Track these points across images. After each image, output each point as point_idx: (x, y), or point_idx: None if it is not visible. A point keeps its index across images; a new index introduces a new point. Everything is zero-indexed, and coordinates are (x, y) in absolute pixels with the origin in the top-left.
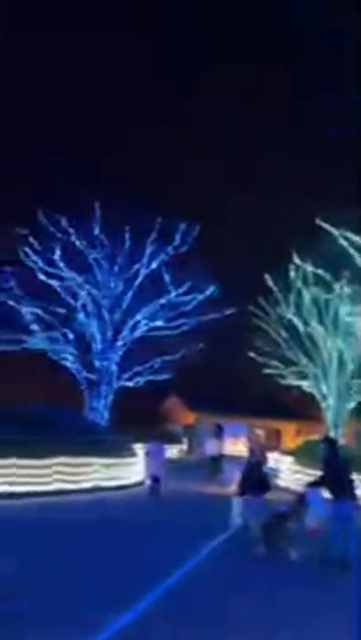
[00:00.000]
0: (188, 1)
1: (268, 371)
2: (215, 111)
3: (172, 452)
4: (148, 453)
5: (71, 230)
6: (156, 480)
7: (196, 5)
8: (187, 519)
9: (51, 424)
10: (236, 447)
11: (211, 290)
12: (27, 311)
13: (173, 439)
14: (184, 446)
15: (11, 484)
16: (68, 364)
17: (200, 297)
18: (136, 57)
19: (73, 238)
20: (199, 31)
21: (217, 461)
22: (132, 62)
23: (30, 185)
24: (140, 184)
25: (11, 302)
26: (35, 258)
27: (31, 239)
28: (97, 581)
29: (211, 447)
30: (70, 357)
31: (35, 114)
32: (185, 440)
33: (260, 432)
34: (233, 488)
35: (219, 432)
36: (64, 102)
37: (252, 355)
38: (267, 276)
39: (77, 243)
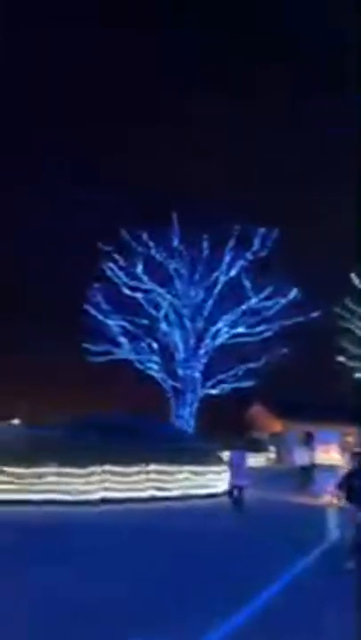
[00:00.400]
0: (188, 1)
1: (359, 374)
2: (215, 111)
3: (259, 460)
4: (230, 462)
5: (151, 244)
6: (239, 489)
7: (196, 5)
8: (279, 531)
9: (140, 432)
10: (328, 455)
11: (293, 293)
12: (113, 324)
13: (260, 447)
14: (271, 455)
15: (106, 489)
16: (153, 372)
17: (282, 301)
18: (136, 57)
19: (153, 252)
20: (199, 31)
21: (308, 471)
22: (132, 62)
23: (30, 185)
24: (140, 184)
25: (99, 316)
26: (119, 273)
27: (115, 256)
28: (189, 595)
29: (300, 456)
30: (155, 366)
31: (35, 114)
32: (272, 448)
33: (351, 439)
34: (327, 498)
35: (309, 440)
36: (64, 102)
37: (341, 359)
38: (353, 275)
39: (157, 255)
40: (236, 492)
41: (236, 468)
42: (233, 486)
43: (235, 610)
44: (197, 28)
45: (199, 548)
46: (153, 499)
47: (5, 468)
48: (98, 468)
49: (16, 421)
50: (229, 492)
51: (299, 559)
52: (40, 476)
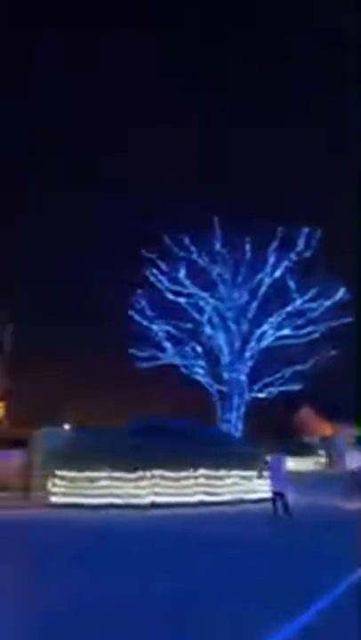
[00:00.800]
0: (189, 1)
1: None
2: (215, 111)
3: (309, 464)
4: (269, 467)
5: (193, 248)
6: (280, 495)
7: (195, 5)
8: (328, 538)
9: (187, 436)
10: None
11: (340, 293)
12: (158, 329)
13: (310, 451)
14: (322, 459)
15: (155, 494)
16: (199, 377)
17: (328, 302)
18: (136, 57)
19: (195, 256)
20: (199, 31)
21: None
22: (132, 62)
23: (31, 185)
24: (140, 184)
25: (144, 322)
26: (162, 278)
27: (158, 262)
28: (242, 607)
29: (352, 460)
30: (201, 371)
31: (35, 114)
32: (322, 452)
33: None
34: None
35: None
36: (64, 102)
37: None
38: None
39: (200, 260)
40: (277, 499)
41: (275, 472)
42: (273, 492)
43: (287, 617)
44: (197, 28)
45: (254, 556)
46: (202, 503)
47: (58, 472)
48: (147, 473)
49: (67, 426)
50: (273, 499)
51: (352, 569)
52: (93, 480)
